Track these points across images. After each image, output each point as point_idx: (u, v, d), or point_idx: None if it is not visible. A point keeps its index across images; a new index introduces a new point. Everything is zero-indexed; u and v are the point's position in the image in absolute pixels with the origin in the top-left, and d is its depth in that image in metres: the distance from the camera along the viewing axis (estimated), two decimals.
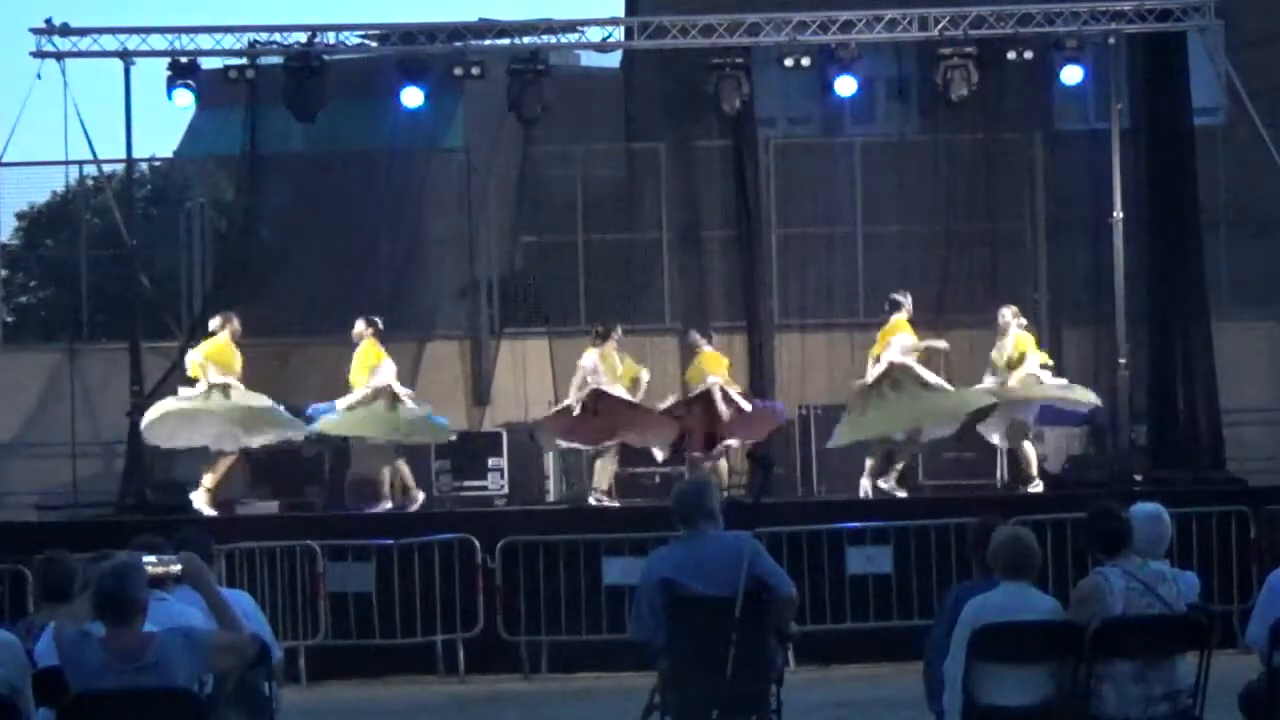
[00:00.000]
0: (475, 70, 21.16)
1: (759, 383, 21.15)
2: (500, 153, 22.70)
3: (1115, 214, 20.66)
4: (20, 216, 28.97)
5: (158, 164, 30.89)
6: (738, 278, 21.98)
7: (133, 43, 20.97)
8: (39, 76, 20.67)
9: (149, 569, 8.09)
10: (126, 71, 20.96)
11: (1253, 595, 13.23)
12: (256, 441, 19.58)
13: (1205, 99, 21.75)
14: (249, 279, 22.25)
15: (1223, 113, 22.19)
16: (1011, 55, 20.88)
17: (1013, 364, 19.40)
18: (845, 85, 21.25)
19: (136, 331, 21.12)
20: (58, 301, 28.59)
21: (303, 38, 21.39)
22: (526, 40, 21.58)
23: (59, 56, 20.70)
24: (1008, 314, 19.55)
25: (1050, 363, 19.74)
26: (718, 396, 19.71)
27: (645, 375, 20.11)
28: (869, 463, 19.56)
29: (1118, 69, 21.11)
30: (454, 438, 20.31)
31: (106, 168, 22.68)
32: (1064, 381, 19.75)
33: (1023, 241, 22.25)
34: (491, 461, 20.85)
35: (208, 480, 19.37)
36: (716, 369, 20.01)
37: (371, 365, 19.64)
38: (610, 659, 16.77)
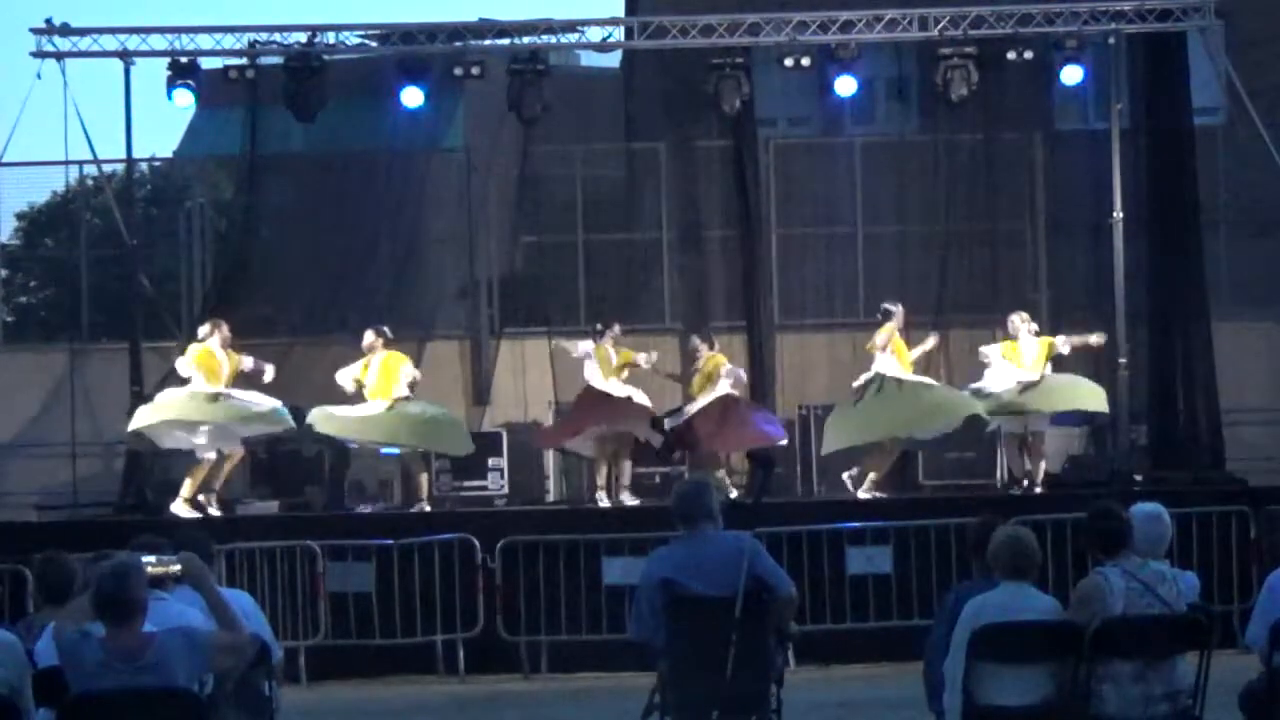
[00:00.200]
0: (475, 70, 21.17)
1: (759, 383, 21.14)
2: (500, 153, 22.70)
3: (1115, 214, 20.66)
4: (20, 216, 28.96)
5: (158, 164, 30.92)
6: (738, 278, 21.98)
7: (133, 43, 20.98)
8: (39, 76, 20.70)
9: (149, 569, 8.09)
10: (126, 71, 20.96)
11: (1253, 595, 13.22)
12: (241, 435, 19.49)
13: (1205, 99, 21.75)
14: (249, 279, 22.25)
15: (1223, 113, 22.18)
16: (1011, 55, 20.88)
17: (1036, 365, 19.38)
18: (845, 85, 21.25)
19: (136, 331, 21.12)
20: (58, 301, 28.62)
21: (303, 38, 21.40)
22: (526, 40, 21.57)
23: (59, 56, 20.70)
24: (1017, 320, 19.50)
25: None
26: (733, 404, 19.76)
27: (643, 358, 20.05)
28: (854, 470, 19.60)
29: (1118, 69, 21.10)
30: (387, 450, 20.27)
31: (106, 168, 22.68)
32: (1071, 378, 19.66)
33: (1023, 241, 22.25)
34: (491, 461, 20.84)
35: (186, 489, 19.29)
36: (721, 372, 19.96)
37: (398, 370, 19.62)
38: (610, 659, 16.77)
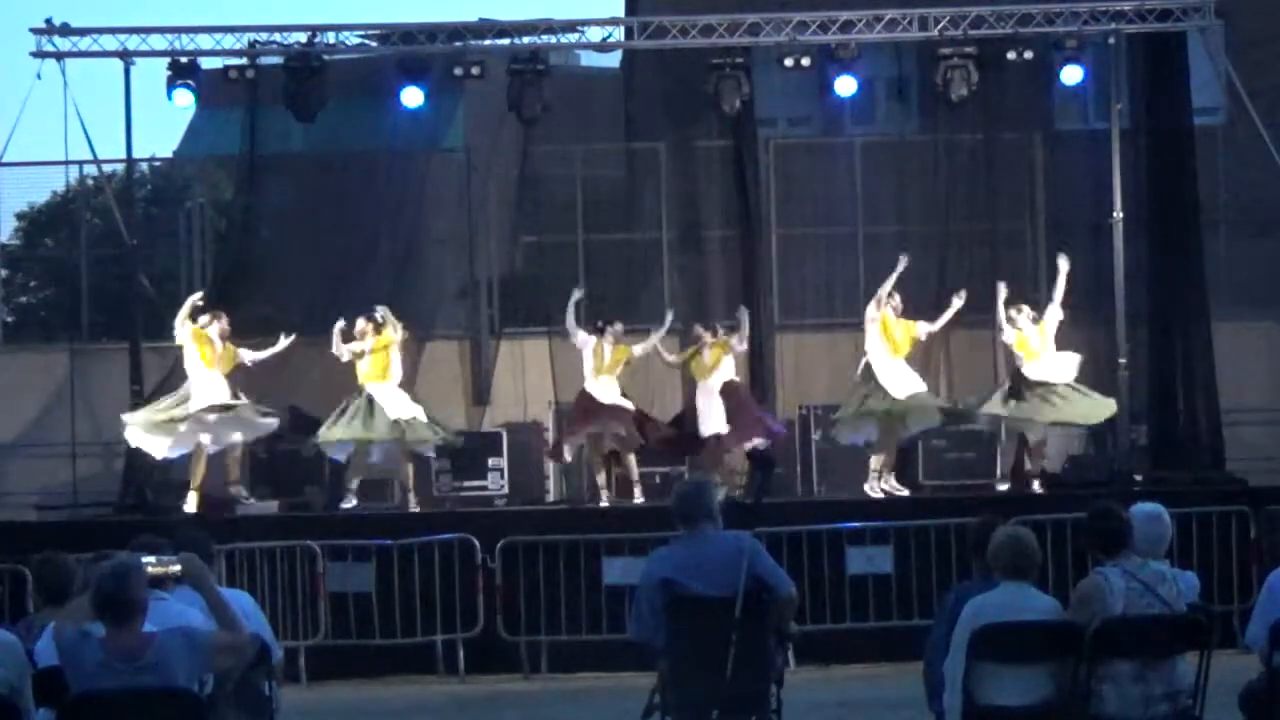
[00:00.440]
0: (475, 70, 21.18)
1: (759, 383, 21.15)
2: (500, 153, 22.71)
3: (1115, 214, 20.66)
4: (20, 216, 28.96)
5: (158, 164, 30.91)
6: (738, 278, 21.97)
7: (133, 43, 20.98)
8: (39, 76, 20.72)
9: (149, 569, 8.08)
10: (126, 71, 20.97)
11: (1253, 595, 13.22)
12: (225, 441, 19.55)
13: (1205, 99, 21.75)
14: (249, 279, 22.27)
15: (1223, 113, 22.17)
16: (1011, 55, 20.89)
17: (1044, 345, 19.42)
18: (845, 85, 21.27)
19: (136, 331, 21.12)
20: (58, 301, 28.62)
21: (303, 38, 21.41)
22: (526, 40, 21.58)
23: (59, 56, 20.70)
24: (1014, 314, 19.50)
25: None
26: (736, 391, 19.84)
27: (638, 349, 20.08)
28: (873, 463, 19.59)
29: (1118, 69, 21.10)
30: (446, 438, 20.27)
31: (106, 168, 22.69)
32: (1073, 388, 19.67)
33: (1023, 241, 22.25)
34: (491, 461, 20.85)
35: (194, 482, 19.39)
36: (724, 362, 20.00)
37: (390, 358, 19.67)
38: (610, 659, 16.77)
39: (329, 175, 22.95)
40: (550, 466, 21.33)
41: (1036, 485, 19.40)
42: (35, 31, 20.79)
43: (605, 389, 19.78)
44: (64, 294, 26.61)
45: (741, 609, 9.44)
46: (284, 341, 19.73)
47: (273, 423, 19.79)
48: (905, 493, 19.55)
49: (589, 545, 18.07)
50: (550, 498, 21.22)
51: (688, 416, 20.03)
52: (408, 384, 20.30)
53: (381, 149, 22.51)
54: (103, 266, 23.47)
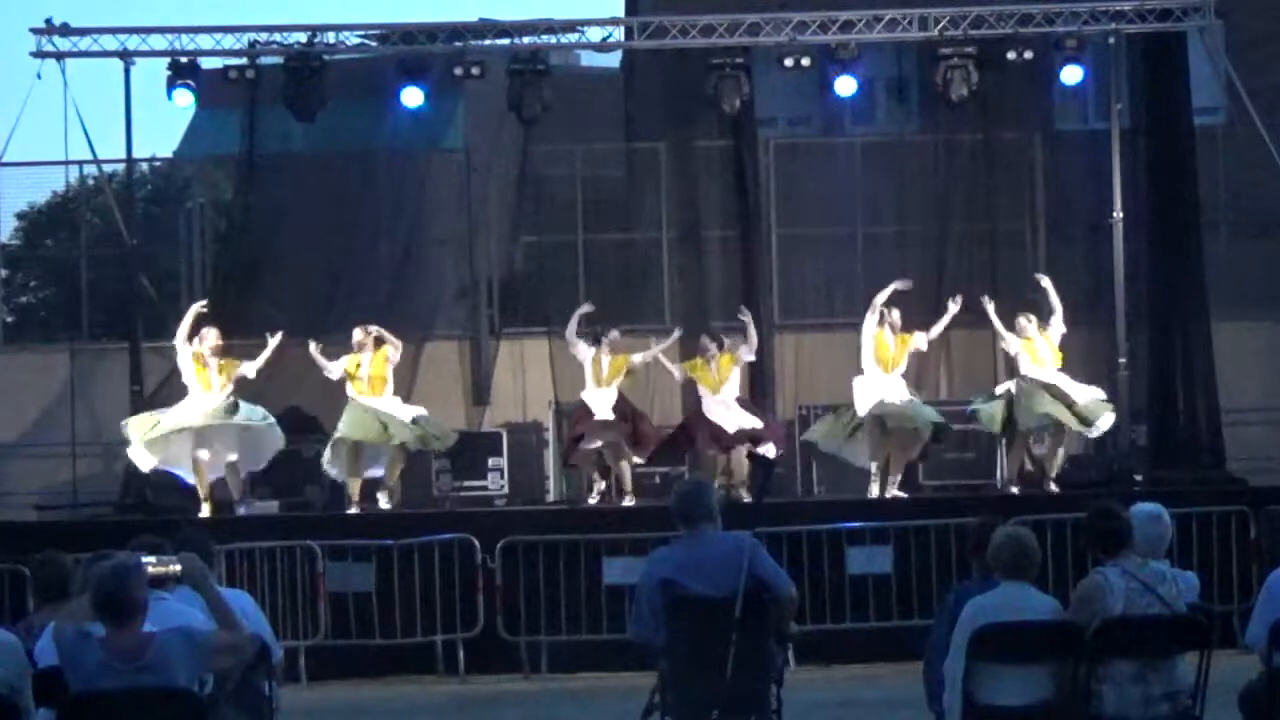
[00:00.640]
0: (475, 70, 21.17)
1: (759, 383, 21.14)
2: (500, 153, 22.70)
3: (1115, 214, 20.67)
4: (20, 216, 28.94)
5: (158, 164, 30.92)
6: (738, 278, 21.96)
7: (133, 43, 20.98)
8: (39, 76, 20.70)
9: (149, 569, 8.08)
10: (126, 71, 20.96)
11: (1253, 595, 13.22)
12: (222, 459, 19.49)
13: (1205, 99, 21.75)
14: (249, 279, 22.26)
15: (1223, 113, 22.18)
16: (1011, 55, 20.89)
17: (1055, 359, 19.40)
18: (845, 85, 21.27)
19: (136, 331, 21.12)
20: (58, 301, 28.62)
21: (303, 38, 21.41)
22: (526, 40, 21.58)
23: (59, 56, 20.70)
24: (1024, 322, 19.44)
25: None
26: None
27: (638, 358, 20.06)
28: (873, 467, 19.59)
29: (1118, 69, 21.10)
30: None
31: (106, 168, 22.67)
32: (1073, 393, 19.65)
33: (1023, 241, 22.25)
34: (491, 461, 20.85)
35: (202, 492, 19.34)
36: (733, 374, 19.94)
37: (386, 369, 19.61)
38: (610, 659, 16.75)
39: (329, 175, 22.93)
40: (550, 466, 21.33)
41: (1052, 486, 19.34)
42: (35, 31, 20.78)
43: (603, 400, 19.69)
44: (64, 294, 26.61)
45: (741, 609, 9.44)
46: (273, 341, 19.59)
47: (278, 438, 19.61)
48: (903, 495, 19.51)
49: (589, 545, 18.07)
50: (550, 498, 21.22)
51: (695, 426, 19.87)
52: (407, 384, 20.28)
53: (381, 149, 22.49)
54: (103, 266, 23.45)
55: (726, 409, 19.62)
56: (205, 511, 19.14)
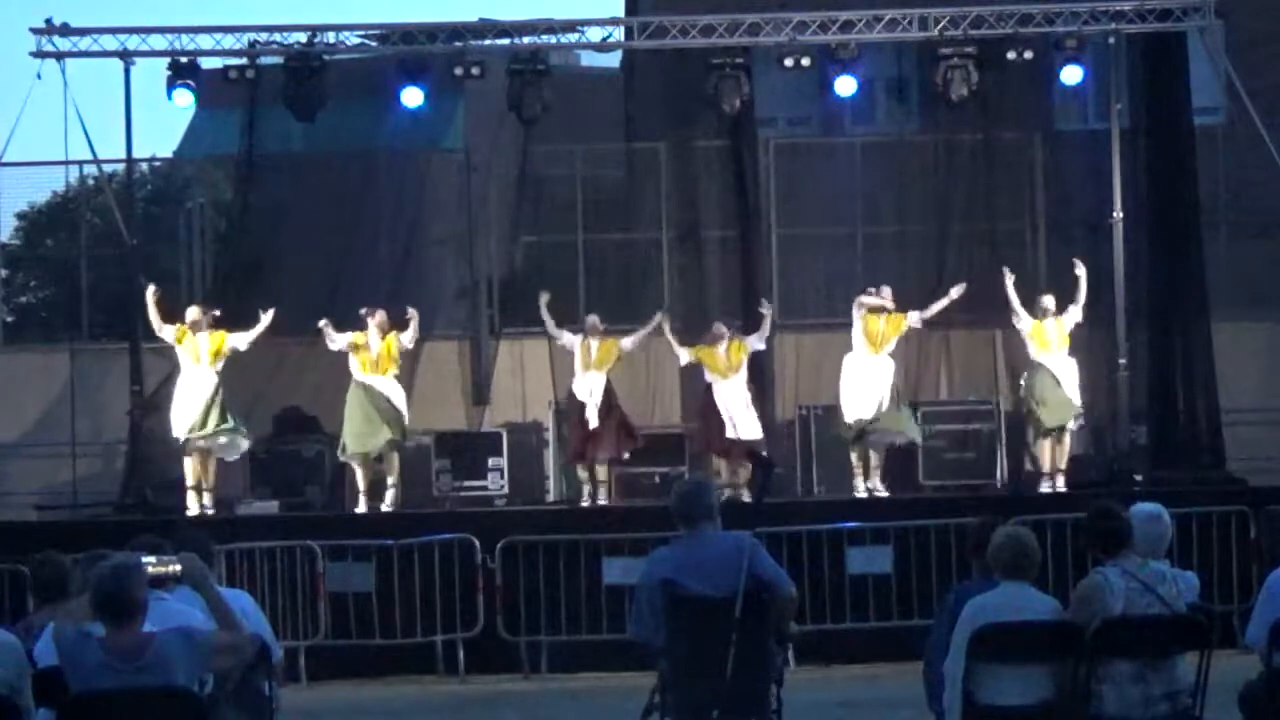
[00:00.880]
0: (475, 70, 21.17)
1: (759, 383, 21.12)
2: (500, 153, 22.71)
3: (1115, 214, 20.67)
4: (20, 216, 28.94)
5: (158, 164, 30.91)
6: (738, 278, 21.97)
7: (133, 43, 20.98)
8: (39, 76, 20.70)
9: (149, 569, 8.08)
10: (126, 71, 20.96)
11: (1253, 595, 13.23)
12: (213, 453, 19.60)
13: (1205, 99, 21.75)
14: (249, 279, 22.25)
15: (1223, 113, 22.18)
16: (1011, 55, 20.89)
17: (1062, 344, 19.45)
18: (845, 85, 21.27)
19: (136, 331, 21.10)
20: (58, 301, 28.61)
21: (303, 38, 21.41)
22: (526, 40, 21.59)
23: (59, 56, 20.69)
24: (1050, 305, 19.58)
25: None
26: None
27: (627, 343, 20.10)
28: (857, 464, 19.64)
29: (1118, 69, 21.10)
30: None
31: (106, 168, 22.67)
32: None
33: (1023, 241, 22.25)
34: (491, 461, 20.85)
35: (206, 483, 19.41)
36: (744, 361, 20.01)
37: (395, 351, 19.69)
38: (610, 659, 16.76)
39: (329, 175, 22.94)
40: (550, 466, 21.33)
41: (1060, 482, 19.37)
42: (35, 31, 20.78)
43: (592, 384, 19.79)
44: (64, 294, 26.60)
45: (741, 609, 9.43)
46: (265, 317, 19.59)
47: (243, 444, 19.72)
48: (885, 493, 19.53)
49: (589, 545, 18.07)
50: (550, 498, 21.22)
51: (709, 415, 19.91)
52: (408, 385, 20.28)
53: (381, 149, 22.50)
54: (103, 266, 23.46)
55: (736, 400, 19.65)
56: (203, 502, 19.17)
